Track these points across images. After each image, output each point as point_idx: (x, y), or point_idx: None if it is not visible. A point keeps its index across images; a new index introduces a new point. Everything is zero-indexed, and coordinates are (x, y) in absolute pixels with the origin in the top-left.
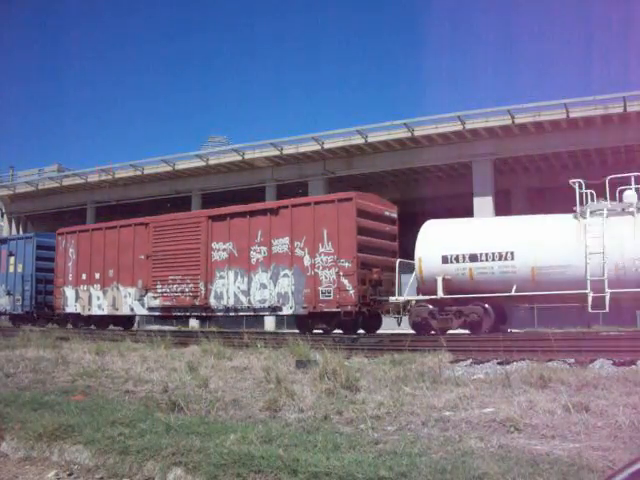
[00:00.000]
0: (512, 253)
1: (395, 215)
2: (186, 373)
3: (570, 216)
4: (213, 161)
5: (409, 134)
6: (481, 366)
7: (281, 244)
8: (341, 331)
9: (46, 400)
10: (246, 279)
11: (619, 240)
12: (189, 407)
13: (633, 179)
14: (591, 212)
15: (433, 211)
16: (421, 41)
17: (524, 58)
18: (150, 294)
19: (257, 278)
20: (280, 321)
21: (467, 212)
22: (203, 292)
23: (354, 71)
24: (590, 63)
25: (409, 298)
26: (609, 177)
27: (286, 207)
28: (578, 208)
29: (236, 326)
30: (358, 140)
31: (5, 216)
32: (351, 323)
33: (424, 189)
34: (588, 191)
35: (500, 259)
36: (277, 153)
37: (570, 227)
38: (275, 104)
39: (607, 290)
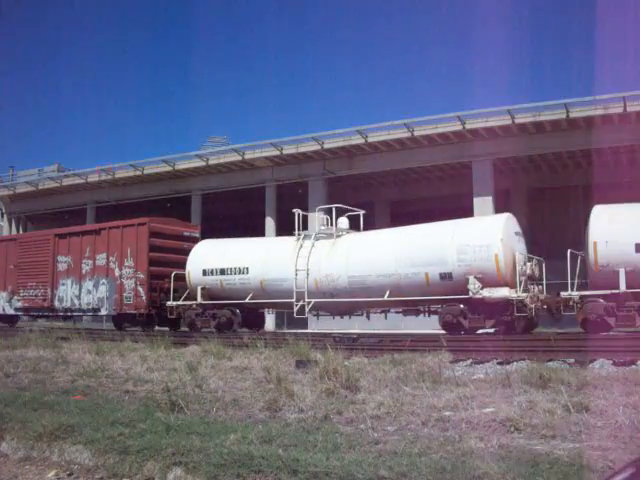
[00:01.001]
0: (247, 268)
1: (197, 235)
2: (186, 373)
3: (293, 238)
4: (213, 161)
5: (409, 134)
6: (481, 366)
7: (101, 258)
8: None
9: (46, 400)
10: (78, 286)
11: (319, 259)
12: (189, 407)
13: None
14: (304, 236)
15: (433, 211)
16: (421, 41)
17: (524, 58)
18: (16, 297)
19: (85, 285)
20: (280, 321)
21: (467, 212)
22: (50, 296)
23: (354, 71)
24: (590, 63)
25: (179, 303)
26: (318, 207)
27: (105, 229)
28: (296, 232)
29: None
30: (358, 140)
31: (5, 216)
32: (146, 321)
33: (424, 189)
34: (325, 216)
35: (240, 273)
36: (277, 153)
37: (290, 248)
38: (275, 104)
39: (306, 299)
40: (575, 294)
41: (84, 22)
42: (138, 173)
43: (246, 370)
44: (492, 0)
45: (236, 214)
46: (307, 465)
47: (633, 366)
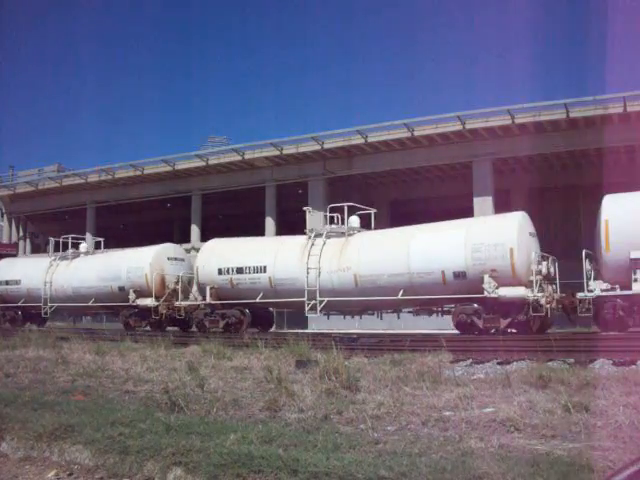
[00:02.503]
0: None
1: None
2: (186, 373)
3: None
4: (213, 161)
5: (409, 134)
6: (481, 366)
7: None
8: None
9: (46, 400)
10: None
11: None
12: (189, 407)
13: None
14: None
15: (433, 211)
16: (421, 41)
17: (524, 58)
18: None
19: None
20: (280, 321)
21: (467, 212)
22: None
23: (354, 71)
24: (590, 63)
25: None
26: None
27: None
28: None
29: None
30: (358, 140)
31: (5, 216)
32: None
33: (424, 189)
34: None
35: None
36: (277, 153)
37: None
38: (275, 104)
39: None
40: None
41: (84, 23)
42: (138, 173)
43: (246, 370)
44: (492, 0)
45: (236, 214)
46: (307, 465)
47: (633, 366)
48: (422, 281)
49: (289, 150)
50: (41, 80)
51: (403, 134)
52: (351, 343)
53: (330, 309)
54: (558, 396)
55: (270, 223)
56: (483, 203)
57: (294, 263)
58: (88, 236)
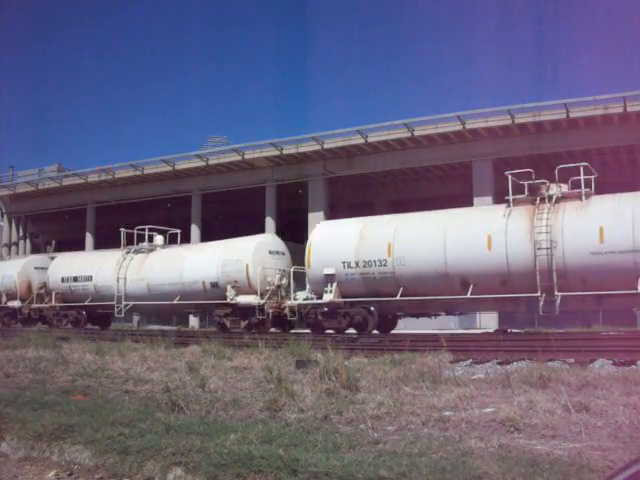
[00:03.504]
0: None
1: None
2: (186, 373)
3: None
4: (213, 161)
5: (409, 134)
6: (481, 366)
7: None
8: None
9: (46, 400)
10: None
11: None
12: (189, 407)
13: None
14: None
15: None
16: (421, 41)
17: (524, 58)
18: None
19: None
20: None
21: None
22: None
23: (354, 71)
24: (590, 63)
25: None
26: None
27: None
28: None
29: None
30: (358, 140)
31: (5, 216)
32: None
33: (424, 189)
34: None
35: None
36: (277, 153)
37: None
38: (275, 104)
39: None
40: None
41: (84, 23)
42: (138, 173)
43: (246, 370)
44: (492, 0)
45: (236, 214)
46: (307, 465)
47: (633, 366)
48: (191, 289)
49: (289, 150)
50: (41, 80)
51: (403, 134)
52: (351, 343)
53: (135, 311)
54: (558, 396)
55: (270, 223)
56: (483, 203)
57: (110, 273)
58: (88, 236)
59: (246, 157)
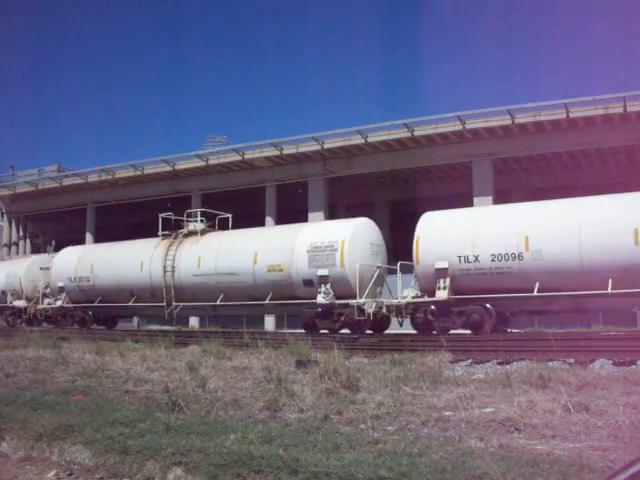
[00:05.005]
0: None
1: None
2: (186, 373)
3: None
4: (213, 161)
5: (409, 134)
6: (481, 366)
7: None
8: None
9: (46, 400)
10: None
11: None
12: (189, 407)
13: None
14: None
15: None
16: (422, 40)
17: (524, 58)
18: None
19: None
20: (280, 321)
21: None
22: None
23: (354, 71)
24: (590, 63)
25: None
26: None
27: None
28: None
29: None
30: (358, 140)
31: (5, 216)
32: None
33: (424, 189)
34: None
35: None
36: (277, 153)
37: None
38: (275, 104)
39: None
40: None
41: (85, 24)
42: (138, 173)
43: (246, 370)
44: (493, 0)
45: (236, 214)
46: (307, 465)
47: (633, 366)
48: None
49: (289, 150)
50: (41, 80)
51: (403, 134)
52: (351, 343)
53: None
54: (558, 396)
55: (270, 223)
56: (483, 203)
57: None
58: (88, 236)
59: (246, 157)
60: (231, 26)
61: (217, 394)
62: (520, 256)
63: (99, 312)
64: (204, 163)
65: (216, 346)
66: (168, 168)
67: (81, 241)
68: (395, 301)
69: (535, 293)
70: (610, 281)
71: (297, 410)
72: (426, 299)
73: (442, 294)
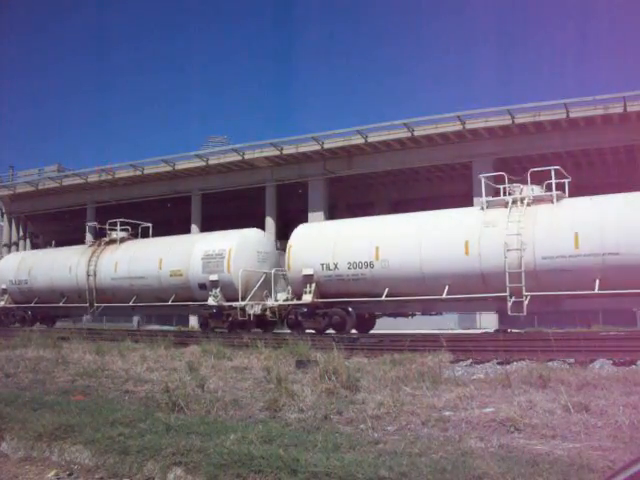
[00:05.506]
0: None
1: None
2: (186, 373)
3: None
4: (213, 161)
5: (409, 134)
6: (481, 366)
7: None
8: None
9: (46, 400)
10: None
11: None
12: (189, 407)
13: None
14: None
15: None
16: (421, 41)
17: (524, 58)
18: None
19: None
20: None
21: None
22: None
23: (354, 71)
24: (590, 63)
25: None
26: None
27: None
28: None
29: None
30: (358, 140)
31: (5, 216)
32: None
33: (424, 189)
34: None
35: None
36: (277, 153)
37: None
38: (275, 104)
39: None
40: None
41: (85, 23)
42: (138, 173)
43: (246, 370)
44: (493, 0)
45: (236, 214)
46: (307, 465)
47: (633, 366)
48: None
49: (289, 150)
50: (41, 80)
51: (403, 134)
52: (351, 343)
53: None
54: (558, 396)
55: (270, 223)
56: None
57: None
58: (88, 236)
59: (246, 157)
60: (231, 26)
61: (217, 394)
62: (371, 264)
63: (37, 312)
64: (204, 163)
65: (216, 346)
66: (168, 168)
67: (81, 241)
68: (269, 304)
69: (384, 298)
70: (447, 287)
71: (297, 410)
72: (294, 302)
73: (308, 297)
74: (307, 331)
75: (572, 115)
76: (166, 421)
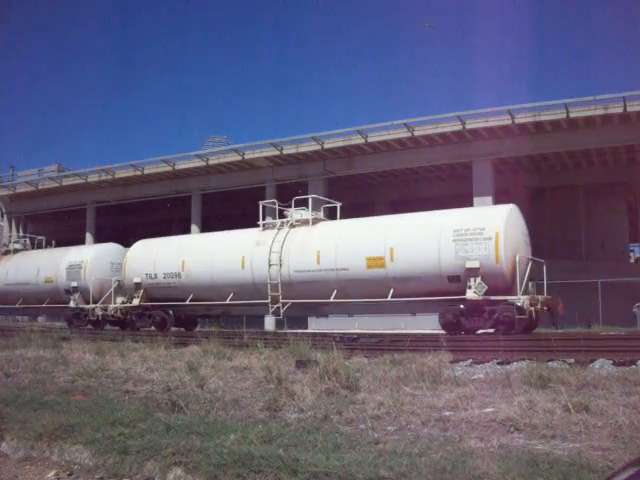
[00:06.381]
0: None
1: None
2: (186, 373)
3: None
4: (213, 161)
5: (409, 134)
6: (481, 366)
7: None
8: None
9: (46, 400)
10: None
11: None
12: (189, 407)
13: None
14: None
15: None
16: (421, 41)
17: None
18: None
19: None
20: (280, 321)
21: None
22: None
23: (354, 71)
24: (590, 63)
25: None
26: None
27: None
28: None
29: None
30: (358, 140)
31: (5, 216)
32: None
33: (424, 189)
34: None
35: None
36: (277, 153)
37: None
38: (275, 104)
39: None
40: (114, 306)
41: (84, 24)
42: (138, 173)
43: (246, 370)
44: (492, 0)
45: (236, 214)
46: (307, 465)
47: (633, 366)
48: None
49: (289, 150)
50: (41, 80)
51: (403, 134)
52: (351, 343)
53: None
54: (558, 396)
55: None
56: (483, 203)
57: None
58: (88, 236)
59: (246, 157)
60: (231, 26)
61: (217, 394)
62: (180, 275)
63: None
64: (204, 163)
65: (216, 346)
66: (168, 168)
67: (81, 241)
68: (111, 306)
69: (188, 302)
70: (231, 294)
71: (297, 410)
72: (126, 305)
73: (136, 301)
74: (172, 329)
75: (572, 115)
76: (166, 421)
